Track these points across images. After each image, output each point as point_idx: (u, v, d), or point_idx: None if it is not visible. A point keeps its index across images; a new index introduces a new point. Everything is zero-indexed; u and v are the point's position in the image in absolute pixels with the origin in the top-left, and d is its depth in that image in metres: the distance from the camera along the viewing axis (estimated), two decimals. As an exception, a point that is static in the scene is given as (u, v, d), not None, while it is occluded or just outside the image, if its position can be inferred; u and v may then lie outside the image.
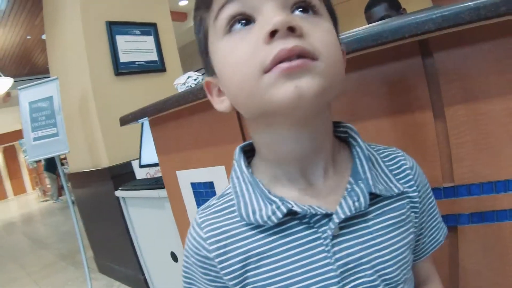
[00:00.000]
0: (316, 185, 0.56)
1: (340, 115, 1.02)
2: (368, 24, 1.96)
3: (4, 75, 8.15)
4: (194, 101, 1.26)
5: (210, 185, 1.42)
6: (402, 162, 0.63)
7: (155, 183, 2.16)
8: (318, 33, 0.47)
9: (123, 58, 3.41)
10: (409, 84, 0.91)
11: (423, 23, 0.76)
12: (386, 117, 0.96)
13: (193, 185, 1.51)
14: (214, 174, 1.38)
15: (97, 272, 4.09)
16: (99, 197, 3.52)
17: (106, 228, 3.56)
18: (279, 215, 0.52)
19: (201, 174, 1.44)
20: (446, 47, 0.85)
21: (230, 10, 0.48)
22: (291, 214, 0.53)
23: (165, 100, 1.43)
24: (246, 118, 0.56)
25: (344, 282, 0.53)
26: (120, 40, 3.41)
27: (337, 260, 0.53)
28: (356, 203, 0.53)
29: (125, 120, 1.82)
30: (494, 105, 0.82)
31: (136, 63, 3.51)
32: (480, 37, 0.81)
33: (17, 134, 16.45)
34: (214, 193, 1.41)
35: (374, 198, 0.57)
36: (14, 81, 8.41)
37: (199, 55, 0.60)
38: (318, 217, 0.53)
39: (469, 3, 0.71)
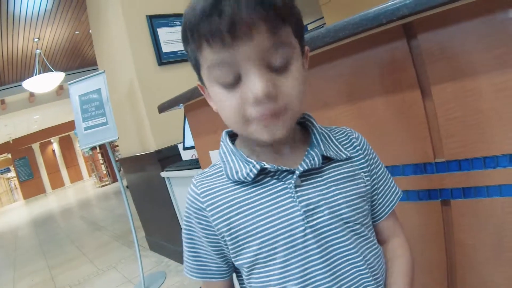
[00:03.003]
0: (284, 153, 0.74)
1: (337, 97, 1.13)
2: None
3: (56, 70, 8.50)
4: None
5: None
6: (350, 135, 0.81)
7: (196, 163, 2.31)
8: (289, 85, 0.63)
9: (165, 48, 3.58)
10: (397, 66, 0.98)
11: (398, 9, 0.83)
12: (378, 97, 1.04)
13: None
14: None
15: (148, 250, 4.32)
16: (148, 179, 3.74)
17: (155, 209, 3.78)
18: (255, 171, 0.70)
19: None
20: (429, 29, 0.90)
21: (219, 72, 0.62)
22: (264, 173, 0.71)
23: (195, 88, 1.58)
24: None
25: (307, 219, 0.69)
26: (162, 32, 3.58)
27: (300, 202, 0.69)
28: (312, 161, 0.71)
29: (162, 108, 1.98)
30: (481, 82, 0.85)
31: (178, 52, 3.66)
32: (463, 16, 0.84)
33: (71, 125, 16.97)
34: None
35: (328, 161, 0.74)
36: (66, 75, 8.74)
37: (191, 64, 0.73)
38: (284, 173, 0.70)
39: None
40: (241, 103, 0.63)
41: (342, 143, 0.79)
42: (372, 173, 0.80)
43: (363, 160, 0.79)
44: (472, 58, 0.86)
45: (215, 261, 0.77)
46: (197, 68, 0.69)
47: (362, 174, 0.77)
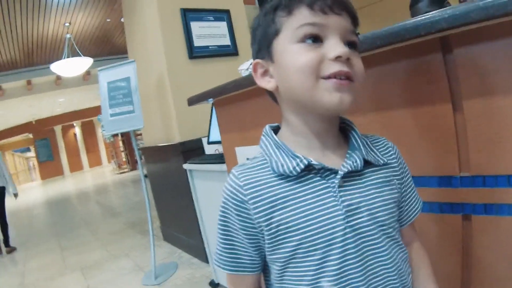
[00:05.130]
0: (327, 153, 0.76)
1: (368, 104, 1.14)
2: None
3: (85, 55, 8.62)
4: (253, 86, 1.39)
5: (264, 160, 1.56)
6: (386, 143, 0.85)
7: (220, 158, 2.32)
8: (358, 64, 0.71)
9: (197, 42, 3.61)
10: (430, 78, 0.99)
11: (437, 22, 0.84)
12: (408, 108, 1.05)
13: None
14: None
15: (162, 240, 4.37)
16: (169, 170, 3.77)
17: (173, 200, 3.81)
18: (302, 166, 0.71)
19: (256, 150, 1.59)
20: (465, 44, 0.91)
21: (310, 30, 0.68)
22: (308, 169, 0.72)
23: (227, 84, 1.60)
24: (286, 100, 0.77)
25: (348, 219, 0.70)
26: (195, 26, 3.60)
27: (342, 202, 0.71)
28: (355, 163, 0.73)
29: (192, 101, 2.00)
30: (511, 101, 0.86)
31: (210, 47, 3.69)
32: (499, 34, 0.85)
33: (96, 110, 17.22)
34: (268, 168, 1.55)
35: (367, 165, 0.76)
36: (94, 61, 8.87)
37: (256, 40, 0.79)
38: (328, 172, 0.72)
39: (479, 3, 0.77)
40: (319, 58, 0.67)
41: (379, 150, 0.82)
42: (403, 181, 0.83)
43: (397, 168, 0.82)
44: (505, 76, 0.86)
45: (249, 254, 0.78)
46: (271, 38, 0.74)
47: (395, 180, 0.80)
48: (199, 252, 3.43)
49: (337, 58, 0.67)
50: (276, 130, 0.82)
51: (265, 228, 0.73)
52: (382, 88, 1.10)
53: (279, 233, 0.72)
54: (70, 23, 7.87)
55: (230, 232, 0.78)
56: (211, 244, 2.79)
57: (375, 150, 0.80)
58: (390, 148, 0.84)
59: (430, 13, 0.87)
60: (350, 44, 0.71)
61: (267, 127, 0.81)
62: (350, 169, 0.72)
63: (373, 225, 0.73)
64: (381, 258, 0.73)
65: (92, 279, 3.59)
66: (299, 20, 0.69)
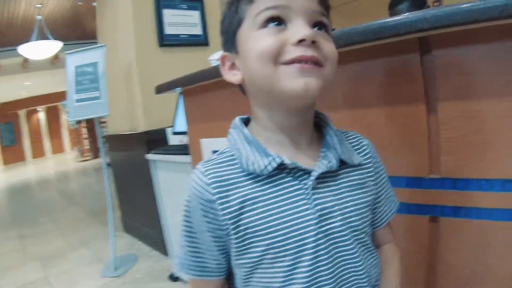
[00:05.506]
0: (299, 151, 0.71)
1: (343, 101, 1.12)
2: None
3: (54, 38, 8.40)
4: (222, 77, 1.37)
5: (230, 153, 1.54)
6: (361, 141, 0.81)
7: (184, 149, 2.27)
8: (327, 46, 0.65)
9: (168, 30, 3.54)
10: (406, 78, 0.98)
11: (417, 22, 0.83)
12: (383, 106, 1.03)
13: (214, 152, 1.63)
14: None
15: (122, 231, 4.29)
16: (132, 160, 3.70)
17: (135, 190, 3.75)
18: (274, 165, 0.66)
19: (222, 143, 1.56)
20: (445, 46, 0.90)
21: (272, 13, 0.64)
22: (281, 168, 0.67)
23: (197, 73, 1.56)
24: (252, 93, 0.72)
25: (320, 224, 0.66)
26: (167, 13, 3.53)
27: (315, 205, 0.67)
28: (330, 164, 0.69)
29: (160, 89, 1.96)
30: (488, 105, 0.86)
31: (181, 36, 3.64)
32: (479, 38, 0.85)
33: (61, 96, 16.77)
34: (233, 161, 1.53)
35: (341, 165, 0.72)
36: (64, 45, 8.65)
37: (222, 32, 0.75)
38: (301, 172, 0.68)
39: (464, 5, 0.77)
40: (280, 42, 0.63)
41: (354, 148, 0.78)
42: (378, 181, 0.80)
43: (371, 169, 0.78)
44: (483, 80, 0.87)
45: (215, 258, 0.73)
46: (236, 27, 0.69)
47: (369, 182, 0.77)
48: (159, 245, 3.38)
49: (301, 42, 0.62)
50: (246, 122, 0.76)
51: (232, 231, 0.68)
52: (356, 84, 1.08)
53: (247, 236, 0.67)
54: (41, 4, 7.64)
55: (195, 234, 0.73)
56: (172, 236, 2.75)
57: (350, 148, 0.76)
58: (365, 147, 0.80)
59: (412, 12, 0.86)
60: (319, 27, 0.66)
61: (237, 119, 0.76)
62: (324, 170, 0.68)
63: (345, 231, 0.69)
64: (353, 265, 0.70)
65: (51, 270, 3.49)
66: (260, 5, 0.65)
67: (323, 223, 0.67)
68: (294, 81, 0.61)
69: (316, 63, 0.63)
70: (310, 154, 0.72)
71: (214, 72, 1.45)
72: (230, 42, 0.72)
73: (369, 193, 0.75)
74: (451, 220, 0.95)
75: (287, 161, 0.66)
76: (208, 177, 0.69)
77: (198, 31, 3.76)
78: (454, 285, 0.98)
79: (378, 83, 1.03)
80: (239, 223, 0.67)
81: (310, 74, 0.62)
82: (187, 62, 3.56)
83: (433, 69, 0.93)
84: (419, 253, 1.02)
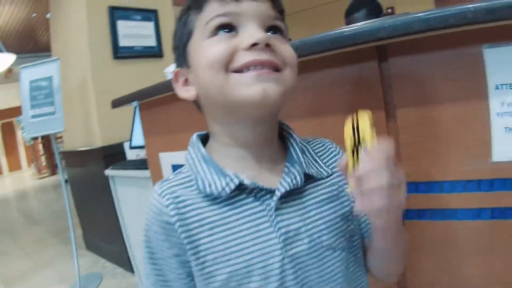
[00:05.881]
0: (262, 167, 0.67)
1: (303, 109, 1.10)
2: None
3: (8, 51, 8.16)
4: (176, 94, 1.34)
5: (189, 167, 1.51)
6: (330, 147, 0.76)
7: (142, 164, 2.22)
8: (285, 49, 0.62)
9: (122, 42, 3.49)
10: (366, 85, 0.97)
11: (377, 31, 0.83)
12: (343, 113, 0.99)
13: (174, 166, 1.61)
14: (193, 157, 1.47)
15: (84, 249, 4.17)
16: (90, 176, 3.60)
17: (95, 207, 3.65)
18: (232, 186, 0.61)
19: (182, 157, 1.52)
20: (401, 54, 0.91)
21: (222, 20, 0.60)
22: (240, 188, 0.63)
23: (153, 86, 1.53)
24: (208, 108, 0.68)
25: (285, 248, 0.62)
26: (121, 24, 3.48)
27: (279, 228, 0.62)
28: (294, 181, 0.64)
29: (117, 103, 1.91)
30: (443, 110, 0.87)
31: (135, 47, 3.59)
32: (435, 45, 0.86)
33: (16, 111, 16.20)
34: (192, 175, 1.51)
35: (308, 179, 0.67)
36: (17, 58, 8.42)
37: (174, 47, 0.72)
38: (263, 192, 0.63)
39: (420, 14, 0.77)
40: (231, 49, 0.59)
41: (321, 157, 0.73)
42: None
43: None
44: (438, 86, 0.88)
45: (186, 285, 0.68)
46: (187, 40, 0.66)
47: (346, 190, 0.70)
48: (123, 261, 3.31)
49: (253, 46, 0.57)
50: (205, 139, 0.72)
51: (192, 257, 0.64)
52: (317, 93, 1.08)
53: (207, 263, 0.63)
54: (-6, 16, 7.45)
55: (158, 261, 0.68)
56: (135, 252, 2.69)
57: (317, 159, 0.72)
58: (335, 153, 0.75)
59: (369, 21, 0.87)
60: (273, 31, 0.63)
61: (194, 136, 0.72)
62: (288, 188, 0.63)
63: (316, 251, 0.64)
64: (327, 286, 0.65)
65: (16, 293, 3.35)
66: (210, 13, 0.61)
67: (289, 247, 0.63)
68: (250, 88, 0.57)
69: (273, 67, 0.59)
70: (274, 170, 0.67)
71: (170, 85, 1.40)
72: (181, 56, 0.68)
73: (345, 203, 0.70)
74: (416, 223, 0.95)
75: (246, 181, 0.62)
76: (165, 198, 0.65)
77: (152, 42, 3.72)
78: (423, 286, 0.98)
79: (338, 91, 1.03)
80: (198, 248, 0.63)
81: (267, 79, 0.57)
82: (142, 74, 3.53)
83: (390, 77, 0.94)
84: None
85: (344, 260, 0.67)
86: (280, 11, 0.65)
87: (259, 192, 0.64)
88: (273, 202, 0.63)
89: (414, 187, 0.94)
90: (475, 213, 0.88)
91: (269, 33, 0.61)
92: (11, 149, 21.12)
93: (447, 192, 0.90)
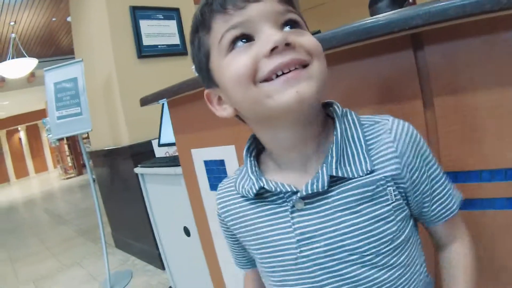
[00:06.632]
0: (308, 167, 0.66)
1: (336, 101, 1.10)
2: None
3: (29, 56, 8.31)
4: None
5: (221, 162, 1.52)
6: (387, 139, 0.65)
7: (173, 161, 2.25)
8: (307, 41, 0.59)
9: (146, 41, 3.51)
10: (401, 75, 0.96)
11: (411, 19, 0.81)
12: (378, 105, 1.02)
13: (206, 162, 1.61)
14: (225, 152, 1.49)
15: (114, 247, 4.24)
16: (119, 174, 3.66)
17: (124, 205, 3.70)
18: (254, 190, 0.67)
19: (213, 153, 1.55)
20: (437, 41, 0.90)
21: (234, 33, 0.58)
22: (268, 190, 0.66)
23: (182, 83, 1.53)
24: (248, 120, 0.68)
25: (300, 249, 0.64)
26: (144, 24, 3.50)
27: (295, 229, 0.64)
28: (314, 185, 0.61)
29: (145, 101, 1.92)
30: (481, 98, 0.85)
31: (159, 46, 3.61)
32: (470, 32, 0.85)
33: (40, 114, 16.64)
34: (224, 171, 1.52)
35: (339, 178, 0.63)
36: (39, 62, 8.56)
37: (197, 71, 0.71)
38: (289, 193, 0.64)
39: (455, 0, 0.76)
40: (253, 59, 0.57)
41: (370, 150, 0.65)
42: (414, 179, 0.66)
43: (397, 171, 0.64)
44: (475, 74, 0.86)
45: (242, 254, 0.84)
46: (206, 62, 0.65)
47: (390, 188, 0.63)
48: (154, 259, 3.34)
49: (273, 51, 0.56)
50: None
51: (238, 235, 0.77)
52: (351, 84, 1.06)
53: (247, 245, 0.76)
54: (15, 22, 7.56)
55: (225, 237, 0.85)
56: (166, 249, 2.70)
57: (360, 153, 0.64)
58: (390, 144, 0.64)
59: (401, 9, 0.85)
60: (290, 25, 0.61)
61: (250, 136, 0.74)
62: (306, 193, 0.62)
63: (337, 255, 0.62)
64: None
65: (46, 292, 3.42)
66: (220, 29, 0.60)
67: (303, 248, 0.64)
68: (284, 95, 0.55)
69: (301, 64, 0.57)
70: (311, 170, 0.66)
71: (198, 82, 1.42)
72: (206, 78, 0.67)
73: (385, 203, 0.63)
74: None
75: (266, 186, 0.65)
76: (218, 195, 0.81)
77: (176, 40, 3.73)
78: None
79: (373, 81, 1.02)
80: (240, 235, 0.76)
81: (298, 80, 0.55)
82: (166, 72, 3.54)
83: (426, 65, 0.93)
84: (425, 248, 1.01)
85: (377, 265, 0.63)
86: (288, 2, 0.62)
87: (285, 193, 0.65)
88: (293, 203, 0.64)
89: (453, 176, 0.91)
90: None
91: (285, 30, 0.60)
92: (36, 151, 21.54)
93: (486, 181, 0.88)
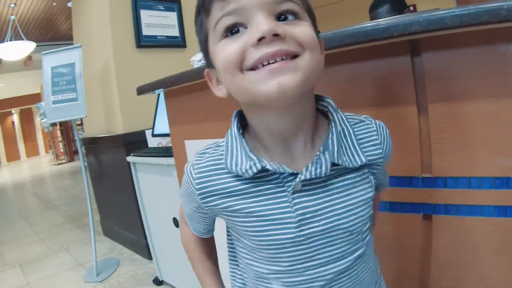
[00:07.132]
0: (294, 154, 0.68)
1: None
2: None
3: (27, 39, 8.26)
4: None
5: (215, 155, 1.52)
6: (375, 139, 0.73)
7: (165, 151, 2.25)
8: (299, 32, 0.58)
9: (145, 31, 3.50)
10: (397, 79, 0.98)
11: (411, 25, 0.83)
12: (373, 107, 1.03)
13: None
14: (219, 145, 1.49)
15: (101, 235, 4.24)
16: (111, 162, 3.66)
17: (114, 193, 3.70)
18: (254, 170, 0.64)
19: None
20: (434, 49, 0.92)
21: (227, 20, 0.59)
22: (265, 171, 0.65)
23: (180, 74, 1.54)
24: (240, 103, 0.69)
25: (300, 228, 0.66)
26: (144, 14, 3.50)
27: (296, 210, 0.65)
28: (318, 170, 0.64)
29: (142, 90, 1.93)
30: (474, 106, 0.88)
31: (158, 37, 3.60)
32: (467, 42, 0.87)
33: (35, 98, 16.55)
34: (217, 163, 1.52)
35: (336, 167, 0.67)
36: (37, 46, 8.51)
37: (201, 51, 0.72)
38: (286, 174, 0.65)
39: (454, 10, 0.78)
40: (241, 48, 0.58)
41: (362, 145, 0.71)
42: (379, 169, 0.76)
43: (379, 166, 0.74)
44: (469, 82, 0.89)
45: (204, 226, 0.85)
46: (205, 43, 0.67)
47: (371, 177, 0.72)
48: (141, 248, 3.35)
49: (261, 40, 0.56)
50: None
51: (221, 212, 0.73)
52: (347, 86, 1.08)
53: (234, 220, 0.71)
54: (15, 4, 7.48)
55: (186, 205, 0.83)
56: (155, 240, 2.71)
57: (356, 147, 0.69)
58: (377, 145, 0.72)
59: (400, 15, 0.86)
60: (285, 16, 0.60)
61: (234, 113, 0.73)
62: (309, 176, 0.64)
63: (332, 232, 0.67)
64: (340, 268, 0.70)
65: (32, 275, 3.42)
66: (217, 14, 0.61)
67: (303, 227, 0.66)
68: (266, 85, 0.56)
69: (289, 55, 0.57)
70: (310, 154, 0.68)
71: (197, 73, 1.45)
72: (207, 58, 0.70)
73: (369, 189, 0.71)
74: (443, 218, 0.97)
75: (268, 166, 0.64)
76: (195, 172, 0.73)
77: (175, 32, 3.73)
78: (447, 281, 1.00)
79: (370, 84, 1.04)
80: (227, 210, 0.70)
81: (281, 72, 0.55)
82: (164, 63, 3.55)
83: (423, 71, 0.95)
84: (413, 250, 1.04)
85: (358, 241, 0.71)
86: None
87: (282, 175, 0.66)
88: (293, 184, 0.65)
89: (442, 182, 0.95)
90: (502, 211, 0.88)
91: (278, 21, 0.59)
92: (29, 135, 21.43)
93: (475, 188, 0.91)
